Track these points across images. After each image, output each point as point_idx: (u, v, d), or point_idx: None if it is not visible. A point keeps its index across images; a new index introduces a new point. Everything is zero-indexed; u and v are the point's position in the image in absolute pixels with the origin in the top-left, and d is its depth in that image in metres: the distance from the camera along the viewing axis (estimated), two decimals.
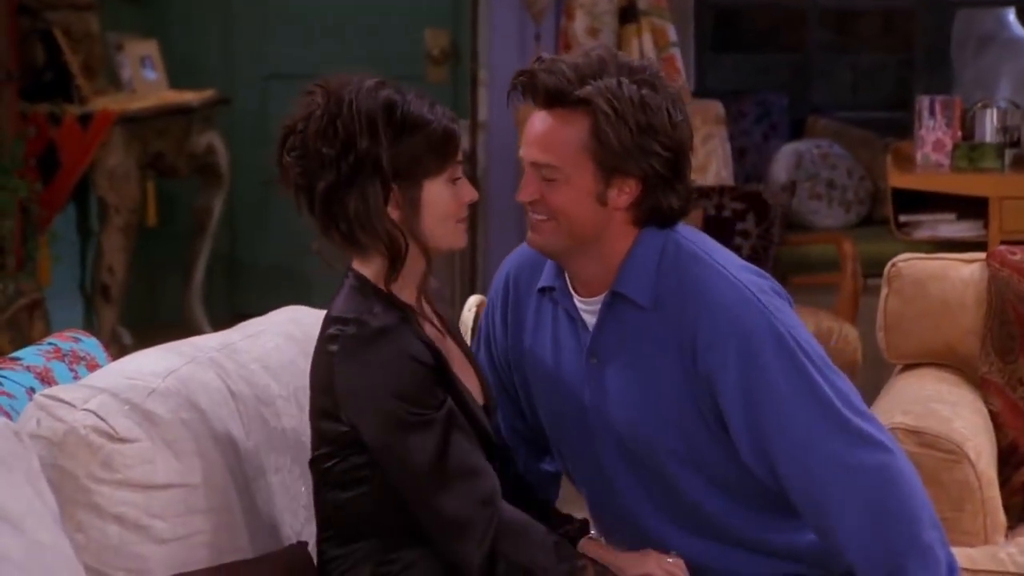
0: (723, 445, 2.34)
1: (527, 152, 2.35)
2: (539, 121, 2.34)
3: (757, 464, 2.31)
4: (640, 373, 2.36)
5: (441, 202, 2.29)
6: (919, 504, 2.29)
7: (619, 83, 2.29)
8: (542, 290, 2.46)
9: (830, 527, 2.29)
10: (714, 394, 2.31)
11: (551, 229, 2.35)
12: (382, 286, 2.29)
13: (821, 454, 2.27)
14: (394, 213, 2.27)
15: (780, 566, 2.41)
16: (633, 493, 2.40)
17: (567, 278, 2.43)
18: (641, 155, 2.30)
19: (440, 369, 2.27)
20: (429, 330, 2.32)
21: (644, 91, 2.30)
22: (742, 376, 2.28)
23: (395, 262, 2.28)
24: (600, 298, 2.39)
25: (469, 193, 2.33)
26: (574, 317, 2.41)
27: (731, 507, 2.38)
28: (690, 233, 2.40)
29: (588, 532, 2.40)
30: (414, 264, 2.31)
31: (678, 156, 2.33)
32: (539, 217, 2.35)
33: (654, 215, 2.36)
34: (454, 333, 2.41)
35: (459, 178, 2.31)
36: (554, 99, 2.32)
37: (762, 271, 2.40)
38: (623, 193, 2.33)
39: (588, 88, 2.29)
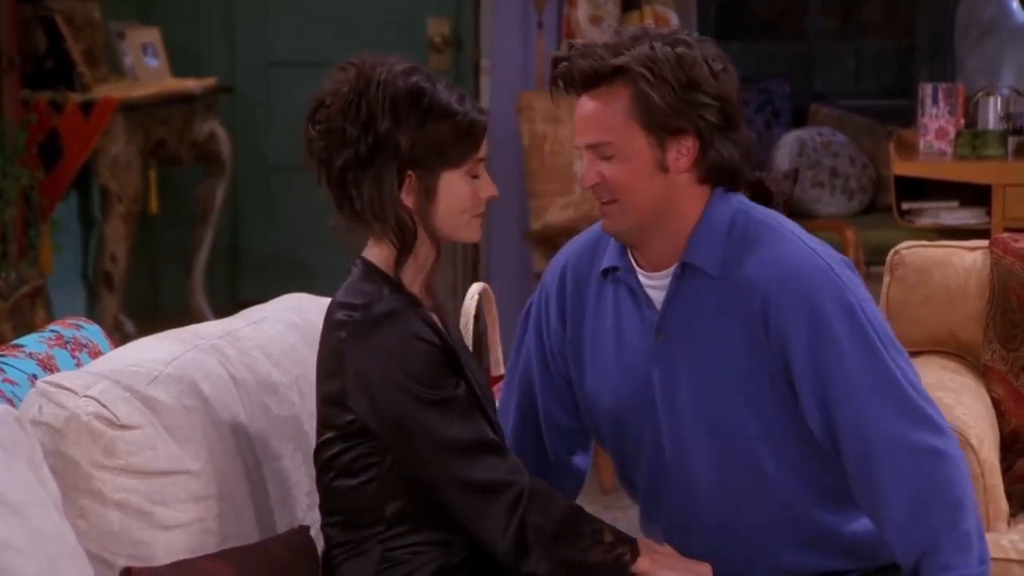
0: (796, 416, 2.32)
1: (579, 137, 2.34)
2: (582, 105, 2.34)
3: (821, 433, 2.31)
4: (710, 347, 2.33)
5: (459, 195, 2.29)
6: (965, 493, 2.30)
7: (652, 47, 2.29)
8: (605, 272, 2.42)
9: (877, 501, 2.29)
10: (787, 358, 2.30)
11: (619, 210, 2.32)
12: (390, 272, 2.29)
13: (880, 429, 2.28)
14: (408, 199, 2.27)
15: (833, 561, 2.40)
16: (696, 475, 2.37)
17: (631, 255, 2.40)
18: (689, 110, 2.29)
19: (449, 352, 2.27)
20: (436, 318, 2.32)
21: (679, 49, 2.30)
22: (812, 342, 2.28)
23: (404, 249, 2.27)
24: (665, 272, 2.36)
25: (488, 189, 2.32)
26: (638, 295, 2.38)
27: (798, 480, 2.35)
28: (759, 208, 2.39)
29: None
30: (423, 253, 2.31)
31: (726, 105, 2.32)
32: (604, 200, 2.33)
33: (718, 170, 2.34)
34: (453, 332, 2.39)
35: (479, 175, 2.31)
36: (591, 79, 2.31)
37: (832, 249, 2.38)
38: (681, 154, 2.31)
39: (622, 58, 2.29)
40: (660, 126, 2.29)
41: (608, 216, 2.34)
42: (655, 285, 2.38)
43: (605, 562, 2.26)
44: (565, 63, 2.33)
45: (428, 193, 2.27)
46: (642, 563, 2.29)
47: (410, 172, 2.25)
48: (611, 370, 2.41)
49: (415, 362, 2.22)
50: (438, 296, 2.39)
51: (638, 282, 2.39)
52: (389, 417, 2.24)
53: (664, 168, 2.31)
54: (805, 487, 2.37)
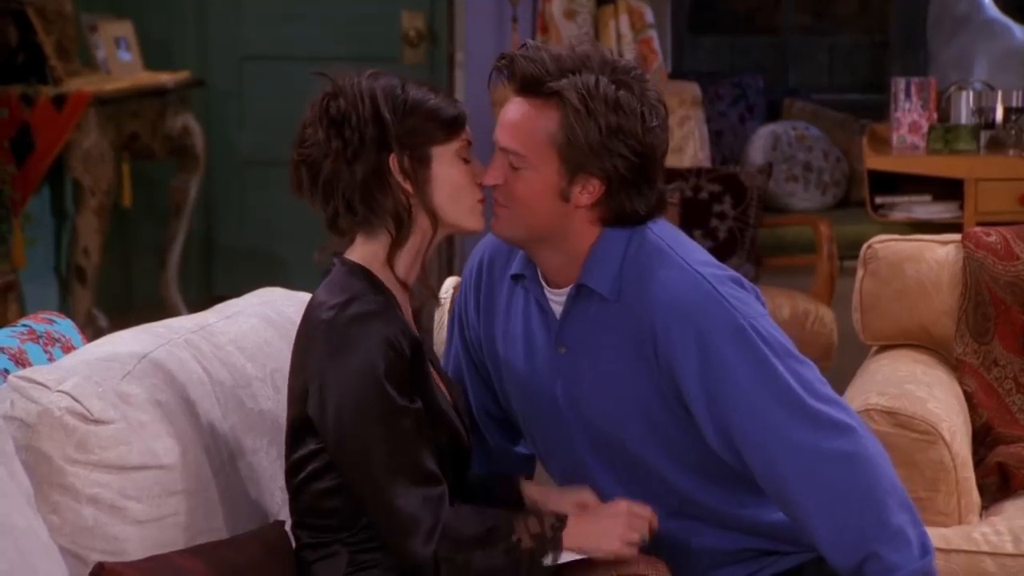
0: (691, 430, 2.34)
1: (498, 136, 2.35)
2: (513, 107, 2.34)
3: (724, 451, 2.32)
4: (606, 363, 2.36)
5: (453, 173, 2.29)
6: (887, 487, 2.28)
7: (596, 80, 2.28)
8: (514, 277, 2.45)
9: (799, 515, 2.29)
10: (677, 383, 2.32)
11: (510, 217, 2.34)
12: (378, 268, 2.28)
13: (784, 444, 2.27)
14: (405, 182, 2.27)
15: (757, 541, 2.42)
16: (605, 477, 2.41)
17: (537, 268, 2.42)
18: (606, 156, 2.29)
19: (417, 363, 2.26)
20: (411, 318, 2.31)
21: (621, 92, 2.29)
22: (701, 367, 2.29)
23: (400, 235, 2.27)
24: (567, 289, 2.39)
25: (481, 174, 2.32)
26: (544, 308, 2.41)
27: (705, 486, 2.38)
28: (658, 226, 2.39)
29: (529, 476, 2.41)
30: (420, 236, 2.30)
31: (646, 161, 2.31)
32: (500, 203, 2.35)
33: (616, 216, 2.35)
34: (425, 332, 2.40)
35: (469, 160, 2.31)
36: (528, 86, 2.32)
37: (724, 266, 2.39)
38: (585, 192, 2.33)
39: (564, 81, 2.29)
40: (575, 161, 2.30)
41: (498, 218, 2.36)
42: (557, 300, 2.41)
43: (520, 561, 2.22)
44: (509, 59, 2.33)
45: (422, 169, 2.26)
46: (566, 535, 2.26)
47: (401, 154, 2.25)
48: (521, 376, 2.44)
49: (378, 369, 2.20)
50: (427, 281, 2.37)
51: (543, 295, 2.41)
52: (334, 422, 2.22)
53: (565, 198, 2.32)
54: (713, 487, 2.38)
